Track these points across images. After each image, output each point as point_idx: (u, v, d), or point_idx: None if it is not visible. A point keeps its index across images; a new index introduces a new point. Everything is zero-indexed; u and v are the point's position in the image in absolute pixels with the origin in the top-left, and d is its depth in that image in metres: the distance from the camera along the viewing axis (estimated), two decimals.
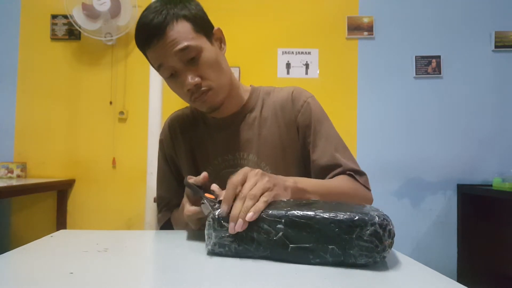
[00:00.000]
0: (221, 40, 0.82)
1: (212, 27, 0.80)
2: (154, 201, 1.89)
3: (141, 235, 0.78)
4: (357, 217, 0.49)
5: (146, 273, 0.52)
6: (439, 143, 2.37)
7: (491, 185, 2.23)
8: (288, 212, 0.52)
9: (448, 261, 2.31)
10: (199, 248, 0.60)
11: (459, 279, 2.24)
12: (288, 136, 0.85)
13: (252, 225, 0.54)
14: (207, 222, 0.57)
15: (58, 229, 0.79)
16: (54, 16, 2.39)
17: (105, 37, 2.28)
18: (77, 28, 2.27)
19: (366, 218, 0.49)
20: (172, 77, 0.76)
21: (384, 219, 0.49)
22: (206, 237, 0.56)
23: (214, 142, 0.87)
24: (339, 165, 0.80)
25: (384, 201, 2.32)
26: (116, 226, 2.35)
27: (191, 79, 0.73)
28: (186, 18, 0.72)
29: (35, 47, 2.40)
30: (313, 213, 0.51)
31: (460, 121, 2.37)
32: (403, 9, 2.40)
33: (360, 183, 0.80)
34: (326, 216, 0.50)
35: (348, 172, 0.80)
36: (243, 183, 0.57)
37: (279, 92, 0.89)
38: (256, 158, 0.84)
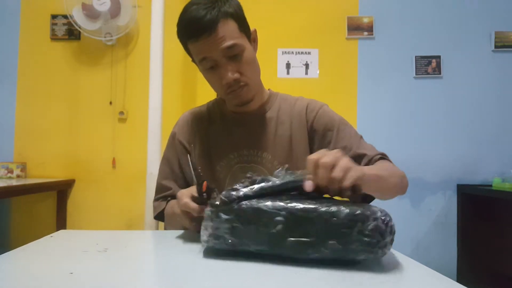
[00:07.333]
0: (255, 41, 0.88)
1: (249, 28, 0.85)
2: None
3: (141, 235, 0.78)
4: (358, 211, 0.48)
5: (145, 273, 0.52)
6: (439, 143, 2.36)
7: (491, 185, 2.23)
8: (288, 205, 0.51)
9: (448, 261, 2.31)
10: (198, 248, 0.60)
11: (459, 279, 2.24)
12: (299, 141, 0.90)
13: (251, 217, 0.52)
14: (205, 213, 0.56)
15: (58, 229, 0.79)
16: (54, 16, 2.38)
17: (105, 37, 2.27)
18: (77, 28, 2.26)
19: (368, 212, 0.48)
20: (212, 69, 0.81)
21: (386, 214, 0.49)
22: (202, 228, 0.55)
23: (231, 137, 0.90)
24: (363, 155, 0.86)
25: (384, 201, 2.30)
26: (116, 226, 2.35)
27: (232, 74, 0.80)
28: (233, 17, 0.79)
29: (35, 47, 2.40)
30: (315, 206, 0.50)
31: (460, 121, 2.37)
32: (403, 9, 2.40)
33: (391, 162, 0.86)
34: (328, 210, 0.49)
35: (375, 157, 0.85)
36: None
37: (296, 101, 0.96)
38: (270, 156, 0.88)
